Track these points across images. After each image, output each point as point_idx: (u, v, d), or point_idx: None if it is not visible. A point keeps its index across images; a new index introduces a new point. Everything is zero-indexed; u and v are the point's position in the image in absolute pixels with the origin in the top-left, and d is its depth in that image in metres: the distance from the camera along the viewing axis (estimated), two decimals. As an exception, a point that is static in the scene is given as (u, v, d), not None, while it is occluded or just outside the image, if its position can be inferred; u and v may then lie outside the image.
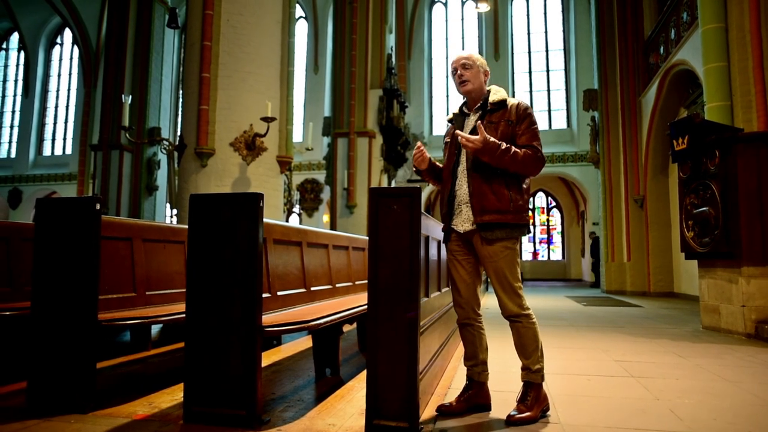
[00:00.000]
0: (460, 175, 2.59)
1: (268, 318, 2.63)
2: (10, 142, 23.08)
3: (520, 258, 2.65)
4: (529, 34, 20.09)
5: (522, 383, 2.54)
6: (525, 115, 2.55)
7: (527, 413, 2.43)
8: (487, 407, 2.64)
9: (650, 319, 6.95)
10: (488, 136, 2.45)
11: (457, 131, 2.57)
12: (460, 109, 2.76)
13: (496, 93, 2.63)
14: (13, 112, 23.31)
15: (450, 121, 2.81)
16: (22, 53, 22.95)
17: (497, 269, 2.49)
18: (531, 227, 2.73)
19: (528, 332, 2.51)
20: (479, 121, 2.53)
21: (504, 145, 2.45)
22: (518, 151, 2.47)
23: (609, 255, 12.69)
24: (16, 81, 23.46)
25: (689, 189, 5.97)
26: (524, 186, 2.57)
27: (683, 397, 2.93)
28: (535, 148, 2.50)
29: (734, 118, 6.37)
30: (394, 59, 13.29)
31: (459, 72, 2.63)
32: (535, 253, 21.24)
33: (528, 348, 2.51)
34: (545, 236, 21.23)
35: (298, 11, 20.13)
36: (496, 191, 2.48)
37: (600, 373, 3.55)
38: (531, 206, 21.09)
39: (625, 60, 12.54)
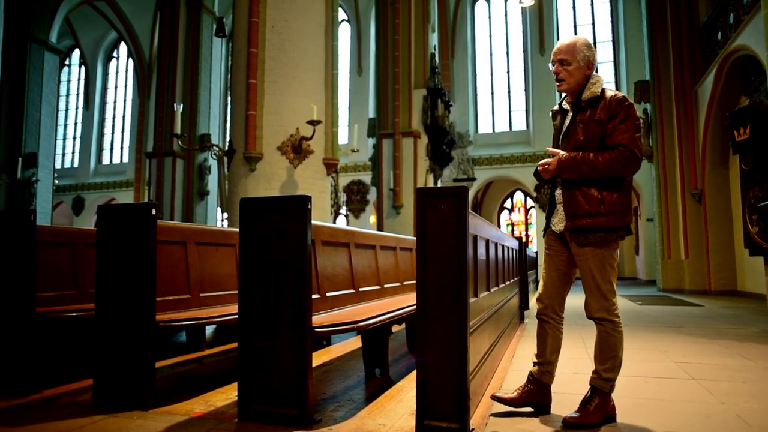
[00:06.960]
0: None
1: (317, 319, 2.66)
2: (73, 153, 24.54)
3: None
4: (575, 26, 19.56)
5: (589, 387, 2.45)
6: (617, 110, 2.34)
7: (584, 418, 2.35)
8: (546, 409, 2.56)
9: (712, 319, 6.62)
10: (562, 154, 2.40)
11: (543, 162, 2.48)
12: (560, 104, 2.60)
13: (590, 87, 2.42)
14: (76, 124, 24.74)
15: (553, 116, 2.66)
16: (83, 68, 24.32)
17: (585, 268, 2.42)
18: (631, 229, 2.54)
19: (609, 339, 2.40)
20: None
21: (579, 156, 2.35)
22: (597, 158, 2.32)
23: (665, 252, 12.16)
24: (77, 95, 24.90)
25: (753, 181, 5.66)
26: (624, 185, 2.39)
27: (751, 401, 2.77)
28: (624, 147, 2.30)
29: (802, 105, 6.00)
30: (437, 58, 13.21)
31: (556, 68, 2.45)
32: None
33: (605, 354, 2.41)
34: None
35: (341, 14, 20.32)
36: (585, 194, 2.37)
37: (658, 375, 3.41)
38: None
39: (678, 48, 12.00)
